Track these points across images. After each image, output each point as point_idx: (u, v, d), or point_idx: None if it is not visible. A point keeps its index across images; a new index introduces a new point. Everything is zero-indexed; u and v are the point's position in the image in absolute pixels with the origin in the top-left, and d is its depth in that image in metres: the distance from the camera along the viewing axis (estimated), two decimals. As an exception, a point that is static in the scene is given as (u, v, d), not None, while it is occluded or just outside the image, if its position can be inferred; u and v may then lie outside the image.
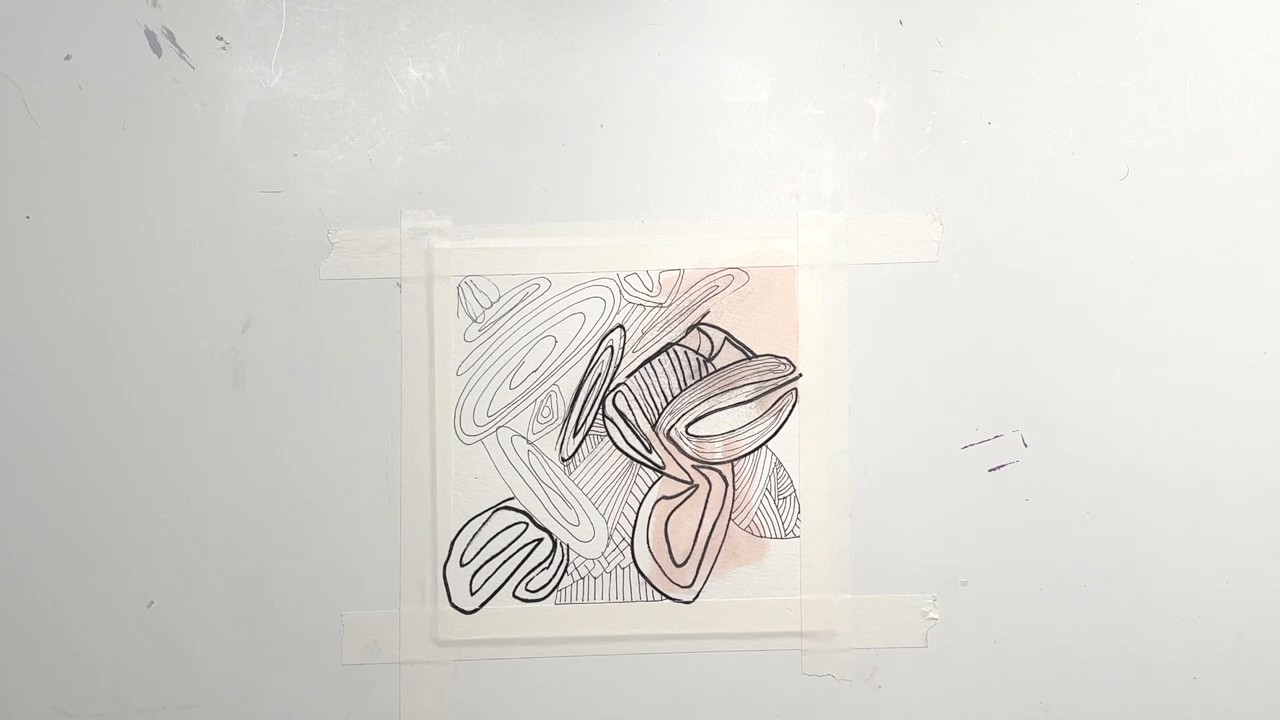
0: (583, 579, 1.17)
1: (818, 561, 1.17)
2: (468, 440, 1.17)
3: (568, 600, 1.17)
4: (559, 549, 1.17)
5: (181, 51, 1.17)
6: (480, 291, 1.18)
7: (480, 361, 1.17)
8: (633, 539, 1.17)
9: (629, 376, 1.18)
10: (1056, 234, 1.19)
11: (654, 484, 1.18)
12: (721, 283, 1.19)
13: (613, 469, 1.18)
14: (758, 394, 1.18)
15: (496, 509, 1.17)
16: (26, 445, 1.14)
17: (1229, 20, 1.19)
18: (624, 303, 1.18)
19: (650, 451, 1.18)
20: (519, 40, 1.19)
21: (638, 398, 1.18)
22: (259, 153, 1.17)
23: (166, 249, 1.16)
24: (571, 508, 1.17)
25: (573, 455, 1.18)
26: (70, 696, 1.14)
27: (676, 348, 1.19)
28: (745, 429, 1.18)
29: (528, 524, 1.17)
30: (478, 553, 1.17)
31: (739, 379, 1.18)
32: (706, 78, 1.20)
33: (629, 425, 1.18)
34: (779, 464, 1.18)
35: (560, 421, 1.18)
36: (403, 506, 1.16)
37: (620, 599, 1.17)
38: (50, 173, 1.16)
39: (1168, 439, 1.18)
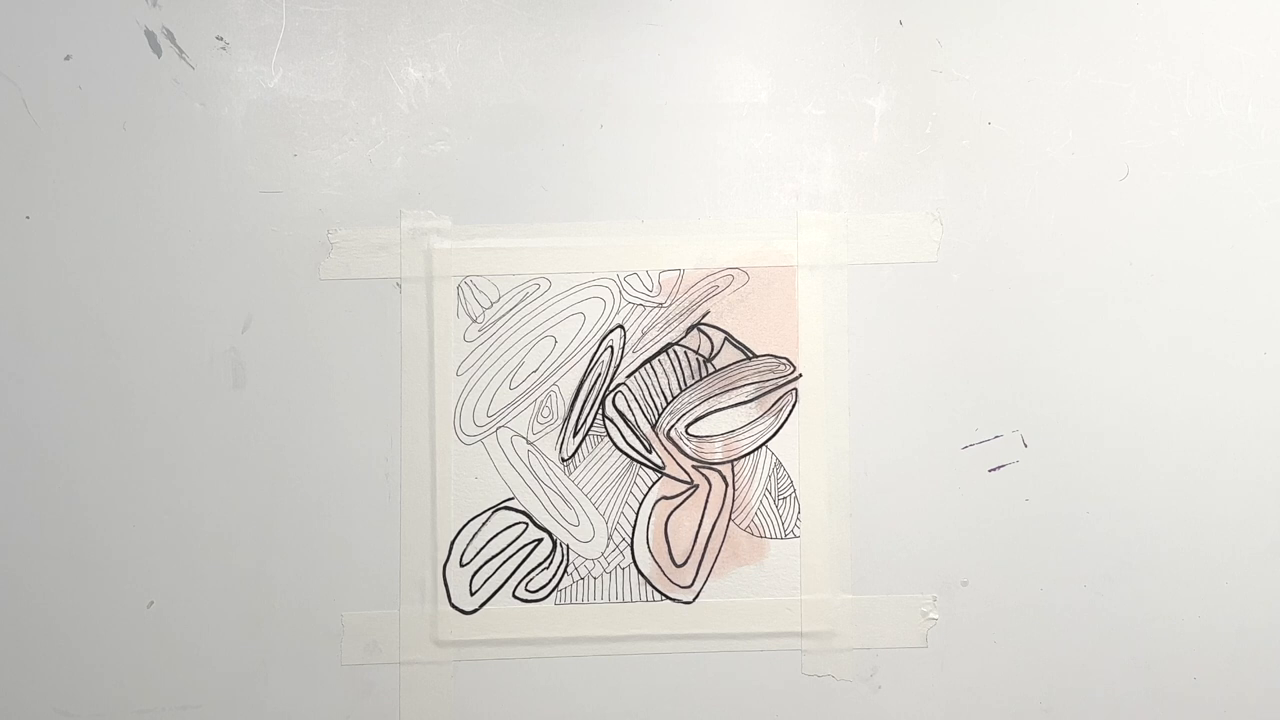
0: (583, 579, 1.17)
1: (818, 561, 1.17)
2: (468, 440, 1.17)
3: (568, 600, 1.17)
4: (559, 549, 1.17)
5: (181, 51, 1.17)
6: (480, 291, 1.18)
7: (480, 361, 1.17)
8: (633, 539, 1.17)
9: (629, 377, 1.18)
10: (1056, 234, 1.19)
11: (654, 484, 1.18)
12: (721, 283, 1.19)
13: (613, 469, 1.18)
14: (758, 394, 1.18)
15: (496, 509, 1.17)
16: (26, 445, 1.14)
17: (1229, 20, 1.19)
18: (624, 303, 1.18)
19: (650, 451, 1.18)
20: (519, 40, 1.19)
21: (638, 398, 1.18)
22: (259, 153, 1.17)
23: (166, 249, 1.16)
24: (571, 508, 1.17)
25: (573, 455, 1.18)
26: (70, 697, 1.14)
27: (676, 348, 1.19)
28: (745, 429, 1.18)
29: (528, 524, 1.17)
30: (478, 553, 1.17)
31: (739, 379, 1.18)
32: (706, 78, 1.20)
33: (629, 425, 1.18)
34: (779, 464, 1.18)
35: (560, 421, 1.18)
36: (403, 506, 1.16)
37: (620, 599, 1.17)
38: (50, 173, 1.16)
39: (1168, 439, 1.18)
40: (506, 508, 1.17)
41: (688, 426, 1.18)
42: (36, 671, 1.14)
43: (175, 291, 1.16)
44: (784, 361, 1.18)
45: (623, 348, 1.18)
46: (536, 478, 1.17)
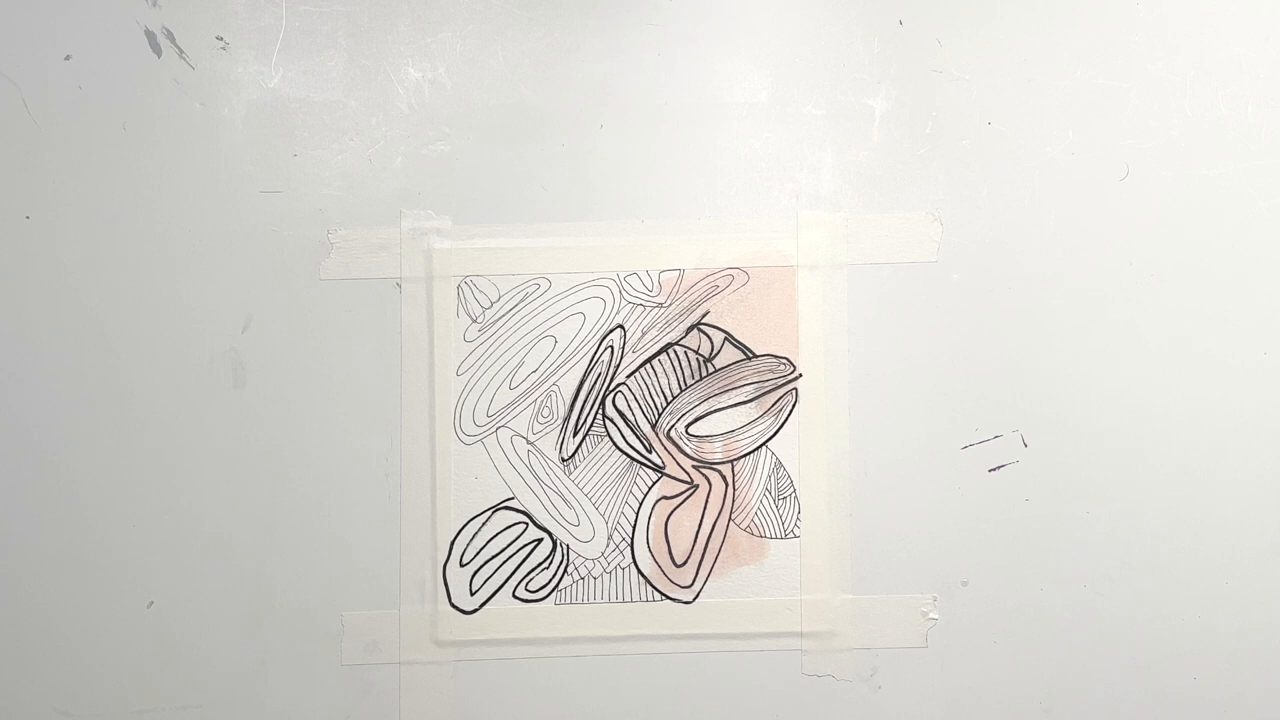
0: (583, 579, 1.17)
1: (818, 561, 1.17)
2: (468, 440, 1.17)
3: (568, 600, 1.17)
4: (559, 549, 1.17)
5: (181, 51, 1.17)
6: (480, 291, 1.18)
7: (480, 361, 1.17)
8: (633, 539, 1.17)
9: (629, 376, 1.18)
10: (1056, 234, 1.19)
11: (654, 484, 1.18)
12: (721, 283, 1.19)
13: (613, 469, 1.18)
14: (758, 394, 1.18)
15: (496, 509, 1.17)
16: (26, 445, 1.14)
17: (1229, 20, 1.19)
18: (624, 303, 1.18)
19: (650, 451, 1.18)
20: (519, 40, 1.19)
21: (638, 398, 1.18)
22: (259, 153, 1.17)
23: (166, 249, 1.16)
24: (571, 508, 1.17)
25: (573, 455, 1.18)
26: (70, 697, 1.14)
27: (676, 348, 1.19)
28: (745, 429, 1.18)
29: (528, 524, 1.17)
30: (478, 553, 1.17)
31: (739, 379, 1.18)
32: (706, 78, 1.20)
33: (629, 425, 1.18)
34: (779, 464, 1.18)
35: (560, 421, 1.18)
36: (403, 506, 1.16)
37: (620, 599, 1.17)
38: (50, 173, 1.16)
39: (1167, 439, 1.18)
40: (506, 508, 1.17)
41: (688, 426, 1.18)
42: (36, 671, 1.14)
43: (175, 291, 1.16)
44: (784, 361, 1.18)
45: (623, 348, 1.18)
46: (536, 478, 1.17)
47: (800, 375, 1.18)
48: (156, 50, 1.17)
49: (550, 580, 1.17)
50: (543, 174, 1.18)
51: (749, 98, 1.20)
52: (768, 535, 1.17)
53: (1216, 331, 1.18)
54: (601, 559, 1.17)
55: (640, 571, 1.17)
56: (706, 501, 1.18)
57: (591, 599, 1.17)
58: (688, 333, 1.19)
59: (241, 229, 1.17)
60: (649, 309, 1.19)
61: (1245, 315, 1.18)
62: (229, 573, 1.15)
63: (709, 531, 1.18)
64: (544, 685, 1.16)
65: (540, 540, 1.17)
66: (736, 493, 1.18)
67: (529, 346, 1.18)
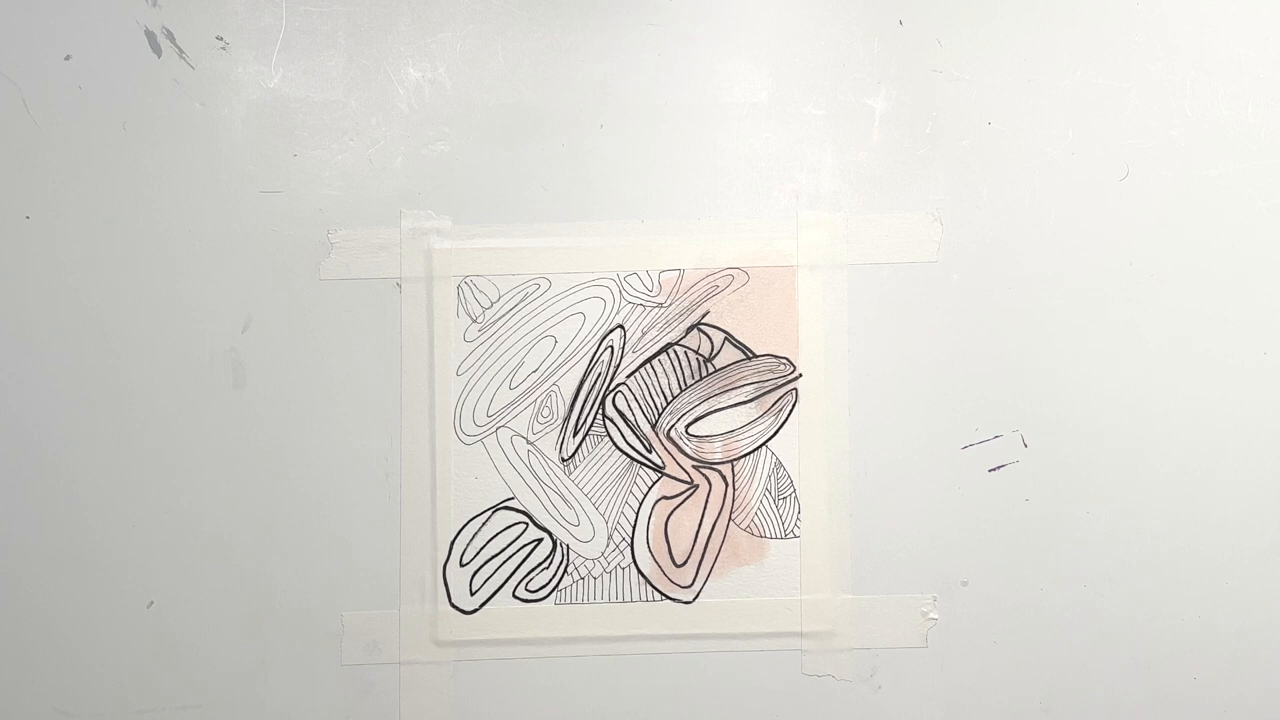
0: (583, 579, 1.17)
1: (818, 561, 1.17)
2: (468, 440, 1.17)
3: (568, 600, 1.17)
4: (559, 549, 1.17)
5: (181, 51, 1.17)
6: (480, 291, 1.18)
7: (480, 361, 1.17)
8: (633, 539, 1.17)
9: (629, 376, 1.18)
10: (1056, 234, 1.19)
11: (654, 484, 1.18)
12: (721, 283, 1.19)
13: (613, 469, 1.18)
14: (758, 394, 1.18)
15: (496, 509, 1.17)
16: (26, 445, 1.14)
17: (1229, 20, 1.19)
18: (624, 303, 1.18)
19: (650, 451, 1.18)
20: (519, 40, 1.19)
21: (638, 398, 1.18)
22: (259, 153, 1.17)
23: (166, 249, 1.16)
24: (571, 508, 1.17)
25: (573, 455, 1.18)
26: (70, 697, 1.14)
27: (676, 348, 1.19)
28: (745, 429, 1.18)
29: (528, 524, 1.17)
30: (478, 553, 1.17)
31: (739, 379, 1.18)
32: (706, 78, 1.20)
33: (629, 425, 1.18)
34: (779, 464, 1.18)
35: (560, 421, 1.18)
36: (403, 506, 1.16)
37: (620, 599, 1.17)
38: (50, 173, 1.16)
39: (1167, 439, 1.18)
40: (506, 508, 1.17)
41: (688, 426, 1.18)
42: (36, 671, 1.14)
43: (175, 291, 1.16)
44: (784, 361, 1.18)
45: (623, 347, 1.18)
46: (536, 478, 1.17)
47: (800, 375, 1.18)
48: (156, 50, 1.17)
49: (550, 580, 1.17)
50: (543, 174, 1.19)
51: (749, 98, 1.20)
52: (768, 535, 1.17)
53: (1216, 331, 1.18)
54: (601, 559, 1.17)
55: (640, 571, 1.17)
56: (706, 501, 1.18)
57: (591, 599, 1.17)
58: (688, 333, 1.19)
59: (241, 229, 1.17)
60: (649, 309, 1.19)
61: (1245, 315, 1.18)
62: (229, 573, 1.15)
63: (709, 531, 1.18)
64: (544, 685, 1.16)
65: (540, 540, 1.17)
66: (736, 493, 1.18)
67: (529, 346, 1.18)
